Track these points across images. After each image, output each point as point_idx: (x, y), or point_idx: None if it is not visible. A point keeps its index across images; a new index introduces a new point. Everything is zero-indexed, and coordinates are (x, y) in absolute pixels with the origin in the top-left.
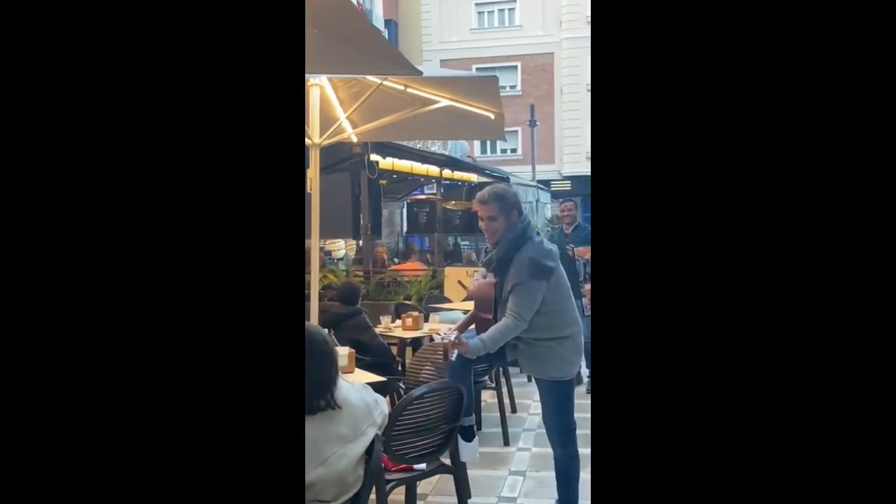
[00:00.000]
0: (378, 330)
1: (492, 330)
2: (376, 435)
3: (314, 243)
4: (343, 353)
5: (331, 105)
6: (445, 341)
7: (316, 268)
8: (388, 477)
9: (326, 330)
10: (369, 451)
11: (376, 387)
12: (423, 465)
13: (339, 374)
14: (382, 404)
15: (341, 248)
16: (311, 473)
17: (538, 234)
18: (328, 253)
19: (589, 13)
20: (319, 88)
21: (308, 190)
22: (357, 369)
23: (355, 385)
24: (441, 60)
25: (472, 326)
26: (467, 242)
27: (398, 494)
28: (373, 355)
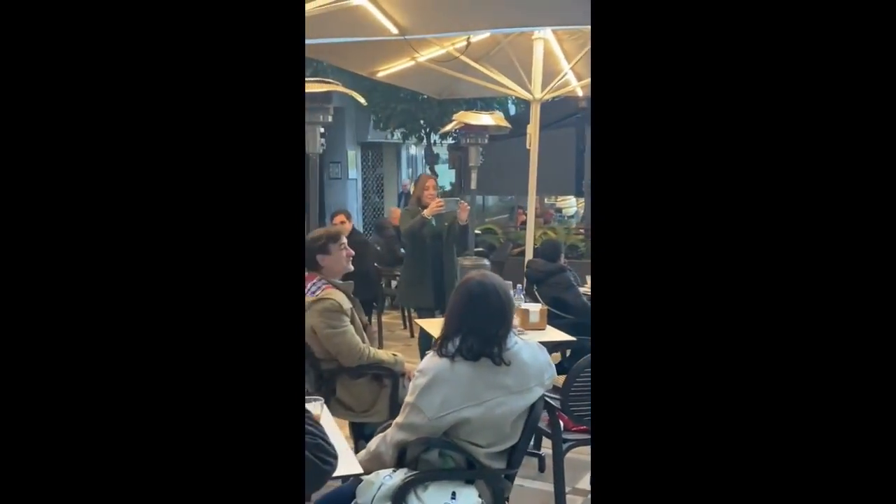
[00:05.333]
0: (584, 290)
1: None
2: (542, 395)
3: (531, 200)
4: (535, 310)
5: (555, 58)
6: None
7: (532, 223)
8: (566, 437)
9: (525, 286)
10: (532, 408)
11: (566, 346)
12: None
13: (511, 332)
14: (553, 368)
15: (572, 205)
16: (464, 411)
17: None
18: (559, 210)
19: None
20: (543, 42)
21: (527, 146)
22: (549, 327)
23: (531, 343)
24: None
25: None
26: None
27: (583, 454)
28: (575, 314)
